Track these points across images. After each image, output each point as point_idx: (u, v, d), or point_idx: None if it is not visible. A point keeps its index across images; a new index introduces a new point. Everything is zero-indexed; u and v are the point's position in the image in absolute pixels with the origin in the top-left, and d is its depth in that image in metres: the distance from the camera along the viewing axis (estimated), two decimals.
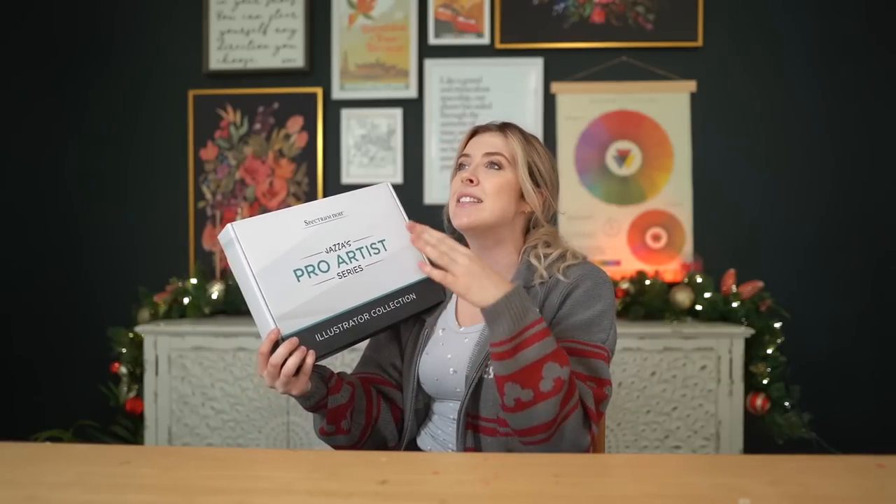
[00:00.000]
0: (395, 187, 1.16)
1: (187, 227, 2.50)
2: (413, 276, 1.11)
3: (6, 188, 2.56)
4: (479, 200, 1.08)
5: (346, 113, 2.46)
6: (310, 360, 0.97)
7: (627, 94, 2.40)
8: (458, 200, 1.09)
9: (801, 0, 2.35)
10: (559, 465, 0.79)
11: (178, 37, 2.51)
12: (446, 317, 1.15)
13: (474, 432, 1.05)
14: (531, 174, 1.11)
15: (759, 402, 2.05)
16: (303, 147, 2.47)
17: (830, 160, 2.35)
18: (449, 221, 1.15)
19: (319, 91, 2.46)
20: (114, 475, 0.74)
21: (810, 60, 2.35)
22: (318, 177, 2.46)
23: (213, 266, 2.46)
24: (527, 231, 1.16)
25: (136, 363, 2.19)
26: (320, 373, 1.06)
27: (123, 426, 2.22)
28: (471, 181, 1.08)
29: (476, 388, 1.04)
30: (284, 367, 0.95)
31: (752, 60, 2.37)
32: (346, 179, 2.46)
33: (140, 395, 2.19)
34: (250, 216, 2.42)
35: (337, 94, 2.45)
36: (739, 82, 2.37)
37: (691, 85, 2.38)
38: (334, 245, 1.05)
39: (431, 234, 0.98)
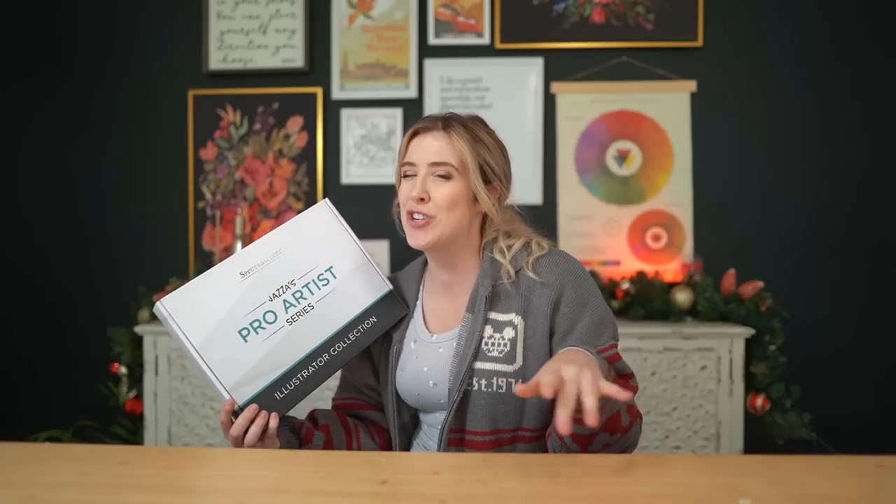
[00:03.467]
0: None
1: (187, 227, 2.49)
2: (369, 298, 1.05)
3: (6, 188, 2.56)
4: (432, 217, 1.00)
5: (345, 113, 2.46)
6: (273, 423, 0.93)
7: (627, 94, 2.40)
8: (411, 217, 1.02)
9: (801, 1, 2.35)
10: (559, 465, 0.78)
11: (178, 37, 2.51)
12: (415, 328, 1.10)
13: (458, 448, 1.01)
14: (483, 174, 1.02)
15: (759, 402, 2.05)
16: (303, 147, 2.47)
17: (830, 160, 2.35)
18: (399, 220, 1.08)
19: (319, 91, 2.45)
20: (113, 475, 0.74)
21: (809, 61, 2.35)
22: (318, 177, 2.46)
23: (212, 266, 2.46)
24: (483, 227, 1.09)
25: (136, 363, 2.19)
26: (290, 424, 1.03)
27: (123, 426, 2.22)
28: (422, 199, 1.00)
29: (461, 403, 0.99)
30: (247, 437, 0.91)
31: (752, 60, 2.37)
32: (346, 179, 2.46)
33: (140, 395, 2.19)
34: (250, 216, 2.45)
35: (337, 94, 2.45)
36: (739, 82, 2.37)
37: (691, 85, 2.38)
38: (278, 290, 0.98)
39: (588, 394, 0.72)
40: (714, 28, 2.37)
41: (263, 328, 0.96)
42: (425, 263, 1.14)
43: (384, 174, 2.43)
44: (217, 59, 2.47)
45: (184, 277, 2.40)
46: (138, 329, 2.15)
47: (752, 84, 2.37)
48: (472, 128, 1.04)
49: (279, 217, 2.47)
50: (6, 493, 0.68)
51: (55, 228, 2.54)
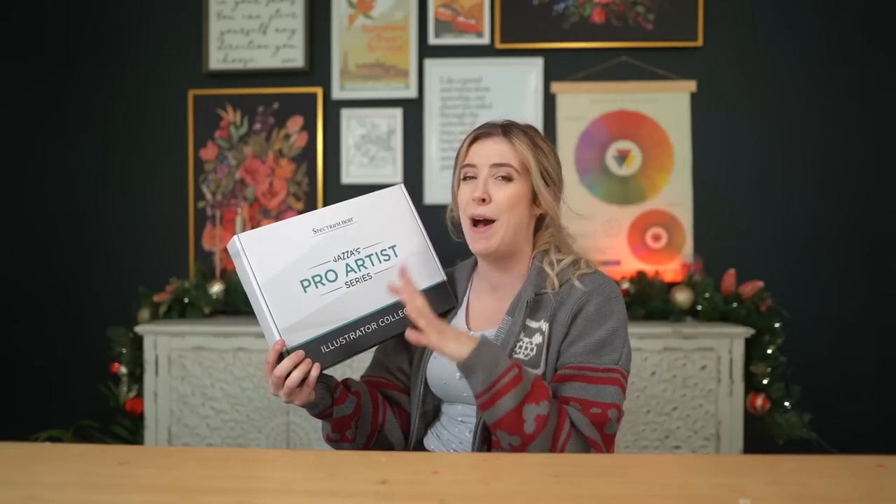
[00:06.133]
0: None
1: (187, 227, 2.49)
2: (423, 283, 1.10)
3: (7, 188, 2.56)
4: (493, 220, 1.05)
5: (346, 113, 2.46)
6: (314, 372, 0.97)
7: (627, 94, 2.40)
8: (473, 223, 1.06)
9: (800, 1, 2.35)
10: (559, 465, 0.78)
11: (178, 37, 2.51)
12: (457, 321, 1.14)
13: (489, 448, 1.04)
14: (542, 178, 1.07)
15: (759, 402, 2.05)
16: (303, 147, 2.47)
17: (830, 160, 2.35)
18: (454, 226, 1.14)
19: (319, 91, 2.45)
20: (113, 475, 0.74)
21: (809, 61, 2.35)
22: (318, 177, 2.46)
23: (213, 266, 2.46)
24: (536, 233, 1.13)
25: (136, 363, 2.19)
26: (326, 382, 1.06)
27: (123, 426, 2.22)
28: (483, 200, 1.04)
29: None
30: (288, 379, 0.95)
31: (752, 60, 2.37)
32: (346, 179, 2.46)
33: (140, 395, 2.19)
34: (250, 216, 2.45)
35: (337, 94, 2.45)
36: (739, 82, 2.37)
37: (691, 85, 2.38)
38: (343, 253, 1.04)
39: (419, 302, 0.97)
40: (714, 28, 2.37)
41: (323, 284, 1.01)
42: (475, 264, 1.19)
43: (384, 174, 2.43)
44: (217, 59, 2.47)
45: (184, 277, 2.40)
46: (138, 329, 2.15)
47: (751, 84, 2.37)
48: (530, 134, 1.10)
49: (279, 217, 2.47)
50: (6, 493, 0.68)
51: (55, 228, 2.54)
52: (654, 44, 2.37)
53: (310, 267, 1.00)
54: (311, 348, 0.98)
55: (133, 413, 2.20)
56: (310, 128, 2.47)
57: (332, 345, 1.00)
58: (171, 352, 2.12)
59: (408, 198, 1.14)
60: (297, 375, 0.95)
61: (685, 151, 2.39)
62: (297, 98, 2.46)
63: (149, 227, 2.51)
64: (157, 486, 0.71)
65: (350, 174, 2.46)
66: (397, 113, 2.45)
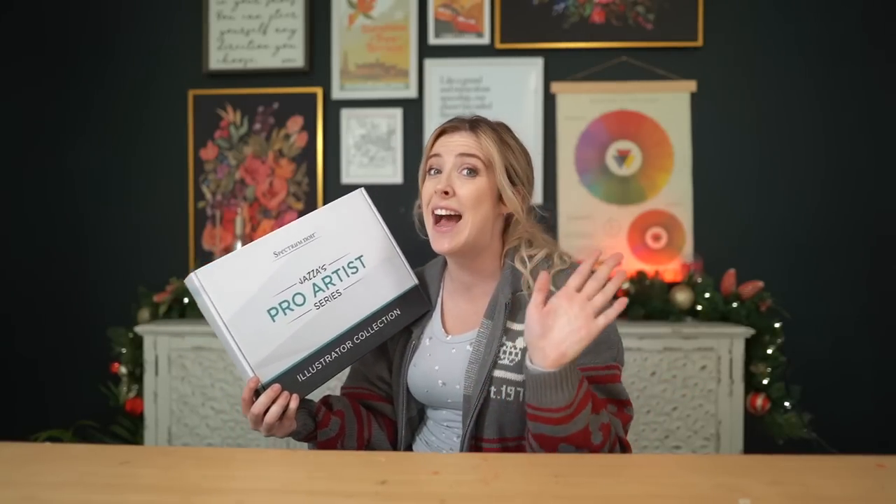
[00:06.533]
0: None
1: (187, 227, 2.49)
2: (395, 291, 1.06)
3: (8, 188, 2.56)
4: (458, 216, 1.01)
5: (345, 113, 2.46)
6: (293, 404, 0.94)
7: (627, 94, 2.40)
8: (434, 215, 1.02)
9: (800, 1, 2.35)
10: (559, 465, 0.78)
11: (178, 37, 2.51)
12: (433, 325, 1.10)
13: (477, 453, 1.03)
14: (508, 176, 1.03)
15: (759, 402, 2.05)
16: (303, 147, 2.47)
17: (830, 160, 2.35)
18: (422, 222, 1.09)
19: (319, 91, 2.45)
20: (113, 475, 0.74)
21: (809, 61, 2.35)
22: (318, 177, 2.46)
23: None
24: (505, 231, 1.09)
25: (136, 363, 2.19)
26: (307, 407, 1.03)
27: (123, 426, 2.22)
28: (446, 193, 1.01)
29: (480, 411, 0.99)
30: (267, 415, 0.92)
31: (752, 60, 2.37)
32: (346, 179, 2.46)
33: (140, 395, 2.19)
34: (250, 216, 2.45)
35: (337, 94, 2.45)
36: (739, 82, 2.37)
37: (691, 85, 2.38)
38: (308, 273, 0.99)
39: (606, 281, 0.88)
40: (714, 28, 2.37)
41: (292, 309, 0.96)
42: (445, 263, 1.14)
43: (384, 174, 2.43)
44: (217, 59, 2.47)
45: (184, 277, 2.40)
46: (138, 329, 2.15)
47: (752, 84, 2.37)
48: (498, 130, 1.06)
49: (279, 217, 2.47)
50: (6, 493, 0.68)
51: (56, 228, 2.54)
52: (654, 44, 2.37)
53: (275, 294, 0.95)
54: (287, 379, 0.94)
55: (133, 413, 2.20)
56: (310, 128, 2.47)
57: (308, 372, 0.96)
58: (171, 352, 2.12)
59: (370, 203, 1.09)
60: (275, 411, 0.92)
61: (685, 151, 2.39)
62: (297, 98, 2.46)
63: (149, 227, 2.51)
64: (156, 486, 0.71)
65: (350, 174, 2.46)
66: (397, 113, 2.45)
